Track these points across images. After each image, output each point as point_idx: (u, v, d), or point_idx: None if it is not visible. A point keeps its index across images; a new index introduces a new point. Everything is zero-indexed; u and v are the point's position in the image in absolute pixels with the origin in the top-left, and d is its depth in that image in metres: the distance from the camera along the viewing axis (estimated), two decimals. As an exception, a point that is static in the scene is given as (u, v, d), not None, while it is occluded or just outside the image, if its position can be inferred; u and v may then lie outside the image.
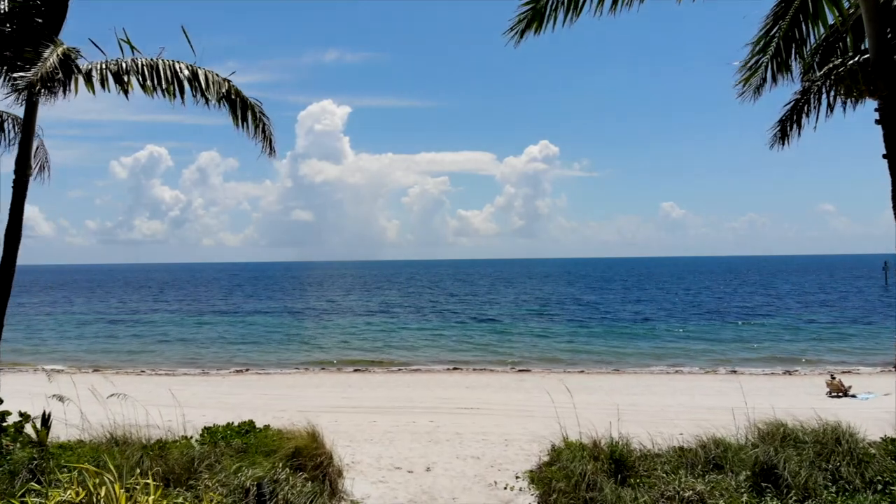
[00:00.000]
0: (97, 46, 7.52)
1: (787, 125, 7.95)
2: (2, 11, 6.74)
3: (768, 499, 6.97)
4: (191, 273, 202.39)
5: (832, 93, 7.41)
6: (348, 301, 62.32)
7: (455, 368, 24.77)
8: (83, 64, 7.28)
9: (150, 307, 58.52)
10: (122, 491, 5.58)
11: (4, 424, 8.42)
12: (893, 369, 23.12)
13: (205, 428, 9.16)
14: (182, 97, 7.52)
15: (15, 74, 6.55)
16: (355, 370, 25.07)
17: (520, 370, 24.15)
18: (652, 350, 29.63)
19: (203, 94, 7.48)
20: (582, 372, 23.71)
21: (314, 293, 77.57)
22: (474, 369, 24.49)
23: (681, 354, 28.68)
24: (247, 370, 26.15)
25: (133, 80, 7.50)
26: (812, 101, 7.70)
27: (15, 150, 8.03)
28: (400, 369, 24.99)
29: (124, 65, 7.66)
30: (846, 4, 6.57)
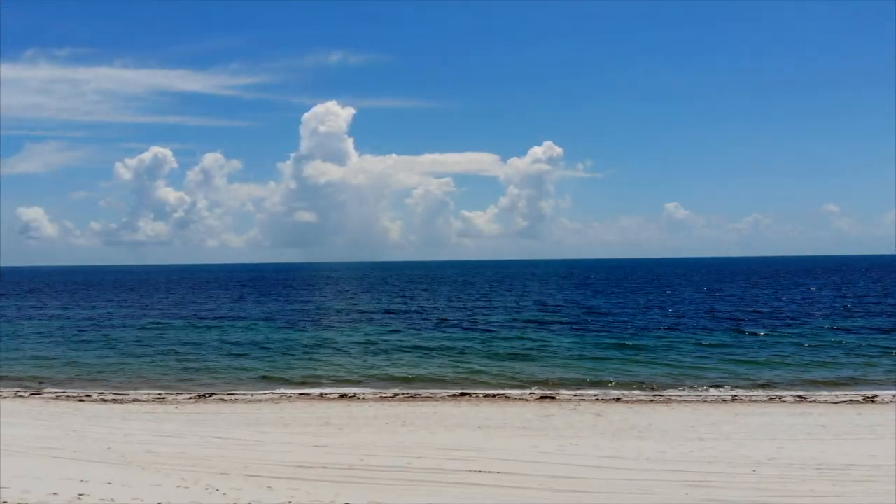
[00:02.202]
0: None
1: None
2: None
3: None
4: (189, 275, 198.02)
5: None
6: (342, 307, 57.90)
7: (462, 394, 20.28)
8: None
9: (129, 312, 54.12)
10: None
11: None
12: None
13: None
14: None
15: None
16: (341, 396, 20.59)
17: (541, 397, 19.67)
18: (683, 369, 25.07)
19: None
20: (619, 400, 19.22)
21: (307, 298, 73.13)
22: (486, 396, 20.01)
23: (717, 374, 24.17)
24: (210, 395, 21.69)
25: None
26: None
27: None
28: (395, 395, 20.50)
29: None
30: None
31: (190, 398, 21.35)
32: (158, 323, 43.91)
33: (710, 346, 30.91)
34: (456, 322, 41.58)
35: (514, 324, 40.25)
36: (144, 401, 21.14)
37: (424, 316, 45.89)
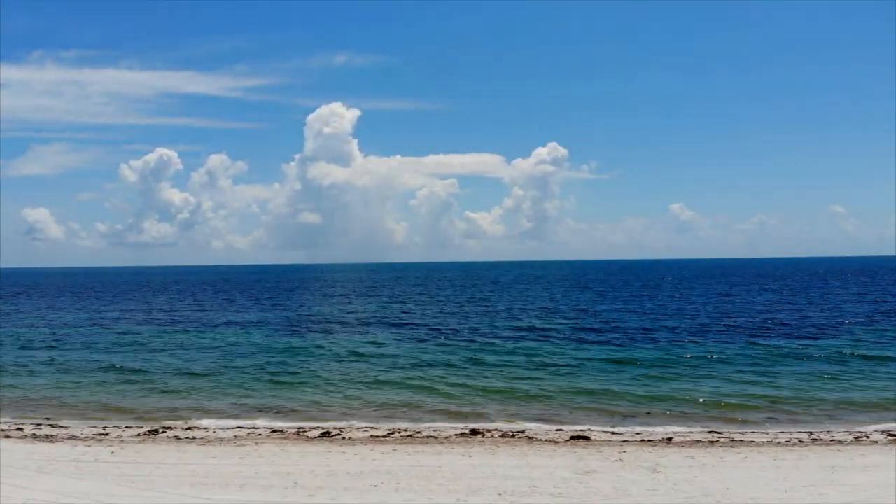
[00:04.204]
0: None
1: None
2: None
3: None
4: (188, 276, 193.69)
5: None
6: (335, 315, 53.95)
7: (473, 432, 16.33)
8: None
9: (109, 318, 50.20)
10: None
11: None
12: None
13: None
14: None
15: None
16: (322, 434, 16.64)
17: (572, 437, 15.73)
18: (725, 399, 20.90)
19: None
20: (670, 441, 15.29)
21: (301, 303, 69.13)
22: (502, 435, 16.04)
23: (765, 401, 20.27)
24: (163, 430, 17.76)
25: None
26: None
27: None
28: (389, 433, 16.54)
29: None
30: None
31: (138, 434, 17.40)
32: (133, 332, 39.93)
33: (742, 364, 26.42)
34: (458, 333, 37.64)
35: (520, 336, 36.26)
36: (82, 438, 17.19)
37: (424, 326, 41.86)
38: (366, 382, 23.37)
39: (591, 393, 21.36)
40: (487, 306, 57.50)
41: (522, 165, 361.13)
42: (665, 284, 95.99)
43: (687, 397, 20.82)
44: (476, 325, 41.59)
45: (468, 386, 22.56)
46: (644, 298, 65.64)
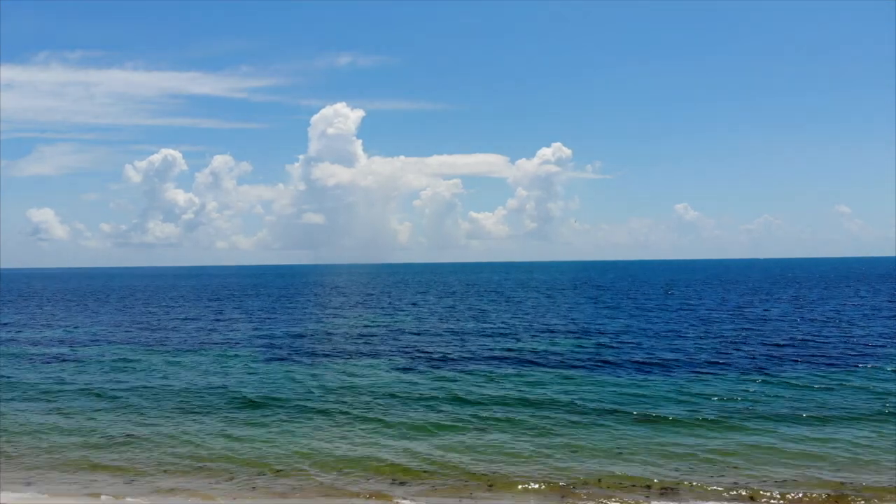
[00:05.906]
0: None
1: None
2: None
3: None
4: (186, 279, 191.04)
5: None
6: (322, 334, 50.91)
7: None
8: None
9: (84, 338, 47.29)
10: None
11: None
12: None
13: None
14: None
15: None
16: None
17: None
18: (780, 472, 17.48)
19: None
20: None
21: (291, 313, 66.18)
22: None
23: (823, 481, 16.83)
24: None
25: None
26: None
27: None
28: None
29: None
30: None
31: (79, 499, 14.39)
32: (100, 360, 36.76)
33: (784, 421, 21.86)
34: (454, 364, 33.93)
35: (523, 369, 32.33)
36: (3, 514, 14.19)
37: (419, 353, 38.34)
38: (361, 425, 20.06)
39: (622, 474, 17.08)
40: (488, 325, 54.28)
41: (526, 166, 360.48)
42: (675, 289, 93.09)
43: (736, 473, 17.24)
44: (475, 351, 38.28)
45: (476, 438, 19.30)
46: (652, 314, 62.38)
